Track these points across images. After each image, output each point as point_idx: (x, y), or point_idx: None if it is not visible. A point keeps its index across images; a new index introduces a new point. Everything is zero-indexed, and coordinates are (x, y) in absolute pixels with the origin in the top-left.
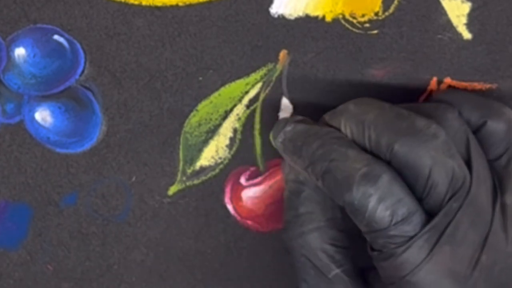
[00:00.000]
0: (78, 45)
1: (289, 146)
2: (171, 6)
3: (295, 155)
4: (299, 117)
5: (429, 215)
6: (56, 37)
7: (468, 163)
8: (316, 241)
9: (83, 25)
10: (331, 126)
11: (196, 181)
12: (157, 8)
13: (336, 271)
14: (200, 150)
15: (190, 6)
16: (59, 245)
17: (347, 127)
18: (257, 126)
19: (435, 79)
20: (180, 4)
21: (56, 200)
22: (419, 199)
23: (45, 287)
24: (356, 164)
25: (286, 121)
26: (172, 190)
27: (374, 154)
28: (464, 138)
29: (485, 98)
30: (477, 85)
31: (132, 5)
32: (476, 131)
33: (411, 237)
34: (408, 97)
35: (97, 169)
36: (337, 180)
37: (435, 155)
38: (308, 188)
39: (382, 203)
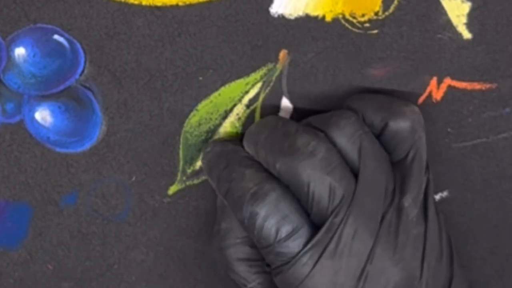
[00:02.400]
0: (78, 45)
1: (206, 167)
2: (171, 6)
3: (209, 176)
4: (222, 138)
5: (319, 229)
6: (56, 36)
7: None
8: (231, 257)
9: (83, 25)
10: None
11: (196, 181)
12: (157, 8)
13: (251, 284)
14: (200, 150)
15: (190, 6)
16: (59, 244)
17: (248, 147)
18: None
19: (435, 79)
20: (180, 4)
21: (56, 200)
22: (309, 214)
23: (45, 287)
24: (249, 184)
25: (210, 143)
26: (172, 190)
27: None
28: (357, 144)
29: (389, 98)
30: (477, 85)
31: (132, 5)
32: (380, 133)
33: (297, 253)
34: (408, 97)
35: (97, 169)
36: (234, 200)
37: (311, 173)
38: None
39: (268, 221)
